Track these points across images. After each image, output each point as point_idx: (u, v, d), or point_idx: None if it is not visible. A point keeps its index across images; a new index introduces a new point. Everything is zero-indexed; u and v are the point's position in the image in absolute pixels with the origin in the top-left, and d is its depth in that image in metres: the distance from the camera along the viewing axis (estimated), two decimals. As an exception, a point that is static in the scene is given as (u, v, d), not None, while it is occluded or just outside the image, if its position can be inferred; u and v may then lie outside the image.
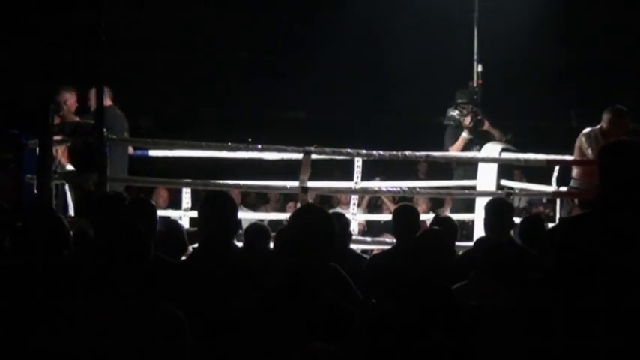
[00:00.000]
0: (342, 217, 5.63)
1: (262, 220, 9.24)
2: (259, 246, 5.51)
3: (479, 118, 9.28)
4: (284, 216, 8.91)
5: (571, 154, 7.98)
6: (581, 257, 3.14)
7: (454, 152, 9.17)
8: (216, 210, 4.01)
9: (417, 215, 5.54)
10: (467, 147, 9.25)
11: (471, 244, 8.00)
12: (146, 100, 14.40)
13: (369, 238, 8.25)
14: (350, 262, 4.93)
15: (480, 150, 9.08)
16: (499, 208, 5.51)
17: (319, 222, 3.41)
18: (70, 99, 8.64)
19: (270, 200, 11.19)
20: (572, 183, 8.11)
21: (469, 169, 9.00)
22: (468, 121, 9.25)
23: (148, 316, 3.14)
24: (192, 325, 3.21)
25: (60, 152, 8.06)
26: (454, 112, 9.36)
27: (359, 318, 3.36)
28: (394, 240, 8.01)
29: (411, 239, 3.73)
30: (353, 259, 5.34)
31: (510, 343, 3.31)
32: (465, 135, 9.23)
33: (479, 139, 9.24)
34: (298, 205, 9.58)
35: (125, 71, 12.55)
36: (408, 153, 7.79)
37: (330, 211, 6.66)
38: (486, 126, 9.33)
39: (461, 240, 7.04)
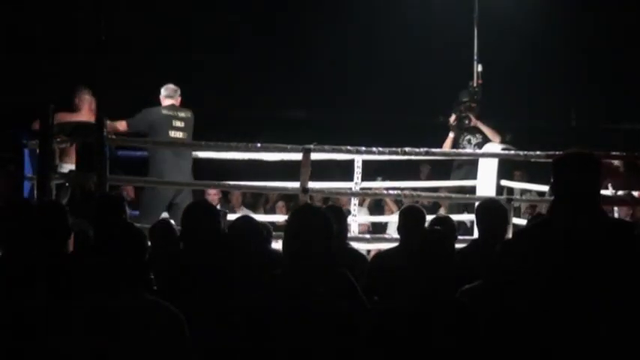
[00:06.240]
0: (337, 210, 5.60)
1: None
2: (261, 246, 5.51)
3: (463, 114, 9.24)
4: (284, 217, 8.91)
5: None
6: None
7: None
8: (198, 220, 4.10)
9: (424, 216, 5.50)
10: (457, 144, 9.21)
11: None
12: (146, 100, 14.36)
13: (368, 236, 8.25)
14: (347, 258, 4.92)
15: (472, 145, 9.09)
16: (494, 209, 5.37)
17: (317, 222, 3.41)
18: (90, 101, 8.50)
19: (270, 200, 11.17)
20: None
21: (469, 171, 8.97)
22: (452, 119, 9.26)
23: (148, 315, 3.14)
24: (191, 324, 3.21)
25: (60, 152, 8.04)
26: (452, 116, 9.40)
27: (362, 320, 3.36)
28: (393, 236, 8.06)
29: (415, 240, 3.73)
30: (350, 256, 5.33)
31: (511, 343, 3.31)
32: (451, 135, 9.24)
33: (469, 133, 9.22)
34: (291, 205, 9.60)
35: (125, 71, 12.56)
36: (407, 149, 7.80)
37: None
38: (473, 122, 9.25)
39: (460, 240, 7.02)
